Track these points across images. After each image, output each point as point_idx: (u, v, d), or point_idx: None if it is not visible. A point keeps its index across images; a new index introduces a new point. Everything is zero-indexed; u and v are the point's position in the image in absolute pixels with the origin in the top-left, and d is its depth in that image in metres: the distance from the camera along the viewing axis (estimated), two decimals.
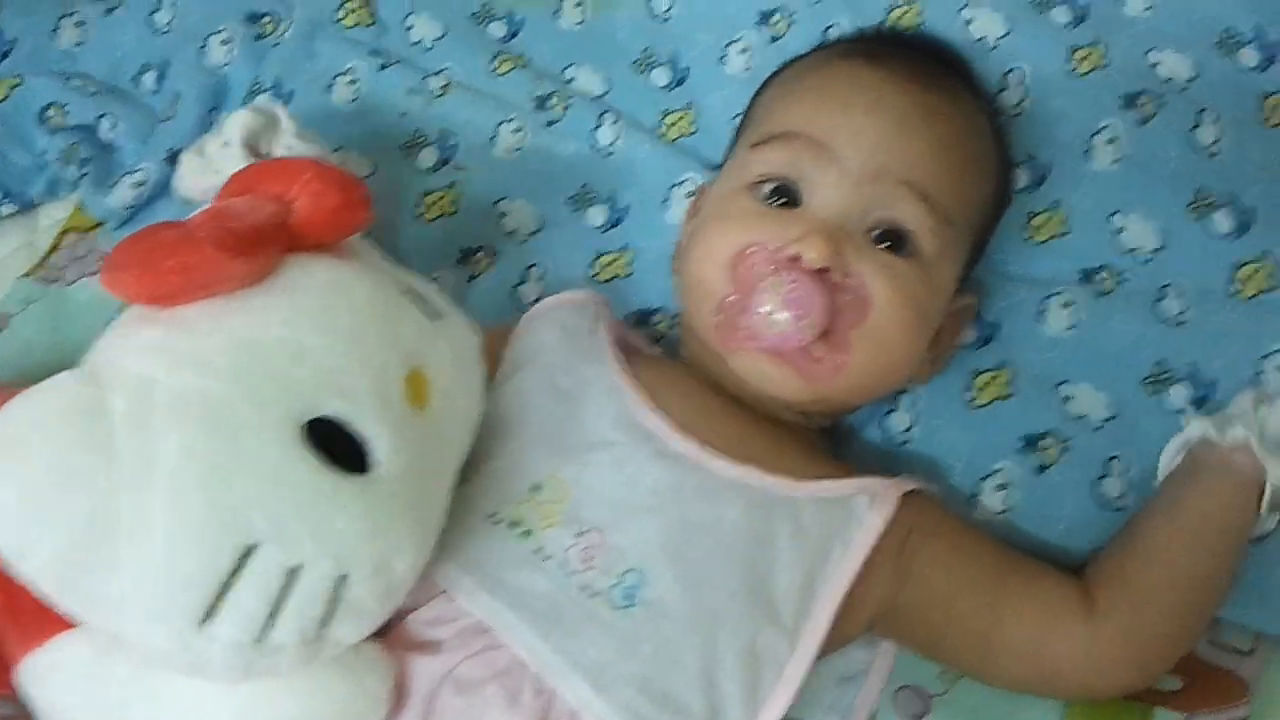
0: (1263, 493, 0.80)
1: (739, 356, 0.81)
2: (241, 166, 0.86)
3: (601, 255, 1.02)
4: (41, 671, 0.70)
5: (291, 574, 0.61)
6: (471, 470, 0.78)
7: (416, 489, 0.67)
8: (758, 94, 0.95)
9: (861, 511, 0.78)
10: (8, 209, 1.09)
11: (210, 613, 0.60)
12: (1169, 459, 0.85)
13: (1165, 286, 0.96)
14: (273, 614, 0.61)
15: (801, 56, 0.96)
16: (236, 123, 0.88)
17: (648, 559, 0.74)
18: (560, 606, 0.72)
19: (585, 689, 0.70)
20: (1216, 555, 0.80)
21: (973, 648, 0.81)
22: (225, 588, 0.60)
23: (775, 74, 0.96)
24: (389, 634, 0.72)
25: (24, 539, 0.60)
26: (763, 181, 0.84)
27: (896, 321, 0.80)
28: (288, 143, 0.90)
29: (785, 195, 0.83)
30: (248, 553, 0.60)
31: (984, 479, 0.90)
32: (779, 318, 0.77)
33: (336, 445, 0.64)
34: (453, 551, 0.74)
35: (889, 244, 0.81)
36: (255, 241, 0.67)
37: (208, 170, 0.89)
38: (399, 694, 0.70)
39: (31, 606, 0.68)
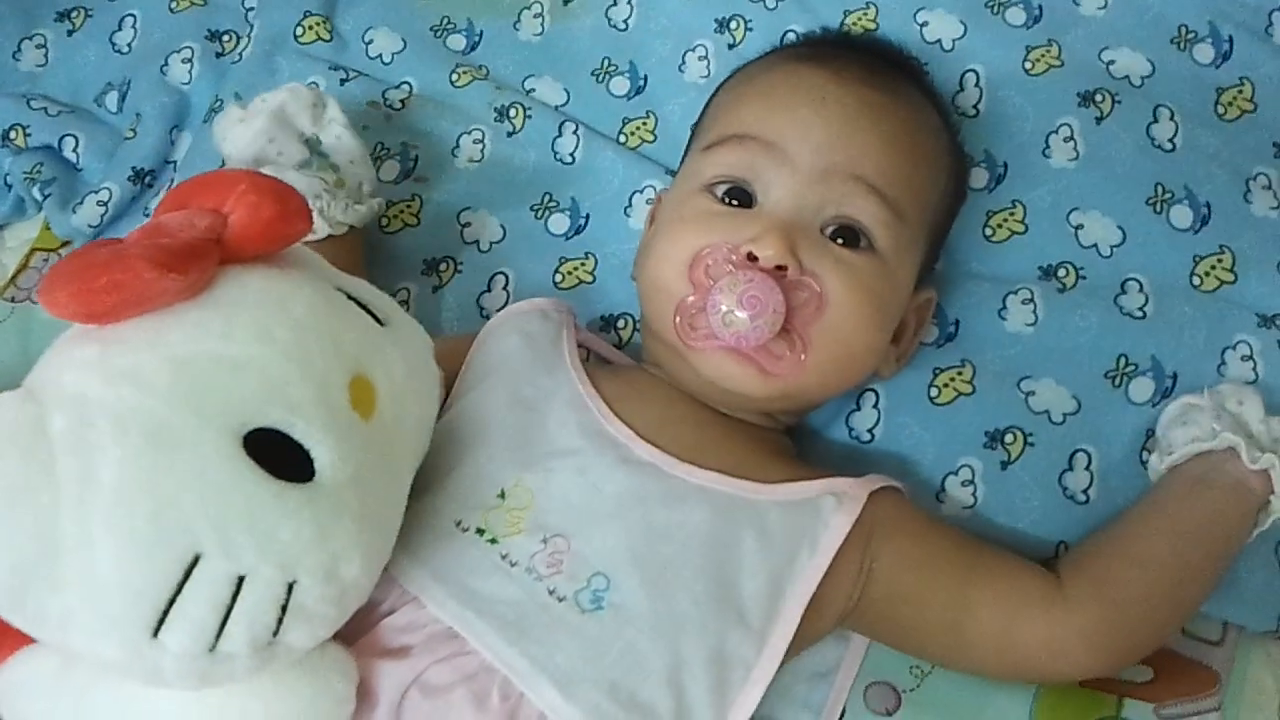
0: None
1: (701, 357, 0.81)
2: (260, 131, 0.92)
3: (565, 262, 1.02)
4: (6, 687, 0.69)
5: (239, 583, 0.60)
6: (437, 478, 0.78)
7: (365, 495, 0.66)
8: (710, 99, 0.95)
9: (828, 513, 0.78)
10: None
11: (160, 624, 0.59)
12: (1176, 459, 0.84)
13: (1126, 281, 0.96)
14: (222, 623, 0.60)
15: (752, 61, 0.96)
16: (279, 93, 0.94)
17: (614, 564, 0.74)
18: (527, 612, 0.72)
19: (553, 693, 0.70)
20: (1207, 564, 0.80)
21: (942, 639, 0.80)
22: (172, 599, 0.59)
23: (726, 79, 0.96)
24: (360, 640, 0.71)
25: None
26: (717, 183, 0.84)
27: (855, 316, 0.80)
28: (337, 131, 0.95)
29: (739, 196, 0.83)
30: (193, 564, 0.59)
31: (949, 475, 0.90)
32: (737, 317, 0.77)
33: (281, 455, 0.63)
34: (421, 558, 0.74)
35: (844, 240, 0.81)
36: (188, 256, 0.65)
37: (238, 122, 0.94)
38: (368, 699, 0.70)
39: None
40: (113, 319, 0.64)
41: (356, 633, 0.71)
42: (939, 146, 0.90)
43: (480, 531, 0.75)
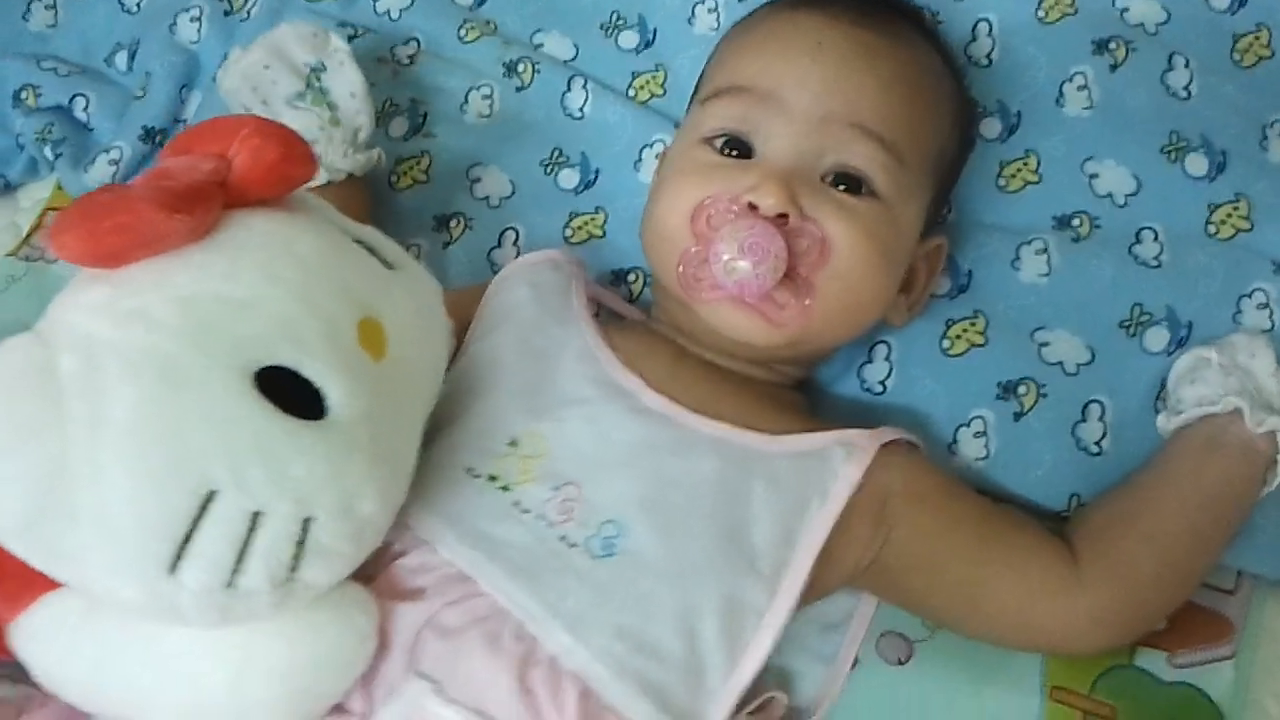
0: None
1: (707, 308, 0.81)
2: (256, 60, 0.94)
3: (575, 217, 1.01)
4: (33, 632, 0.69)
5: (254, 519, 0.60)
6: (447, 425, 0.78)
7: (376, 434, 0.66)
8: (711, 53, 0.94)
9: (837, 463, 0.78)
10: None
11: (176, 561, 0.60)
12: (1183, 421, 0.83)
13: (1141, 230, 0.95)
14: (240, 559, 0.60)
15: (750, 12, 0.95)
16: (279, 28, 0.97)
17: (625, 511, 0.74)
18: (539, 558, 0.72)
19: (565, 636, 0.70)
20: (1218, 531, 0.80)
21: (956, 610, 0.80)
22: (188, 536, 0.59)
23: (727, 32, 0.95)
24: (372, 582, 0.71)
25: None
26: (715, 136, 0.83)
27: (859, 260, 0.79)
28: (340, 59, 0.96)
29: (738, 147, 0.83)
30: (208, 500, 0.59)
31: (961, 427, 0.89)
32: (739, 265, 0.76)
33: (292, 394, 0.63)
34: (432, 504, 0.74)
35: (846, 187, 0.80)
36: (192, 198, 0.65)
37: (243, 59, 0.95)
38: (383, 641, 0.70)
39: (16, 570, 0.67)
40: (120, 262, 0.64)
41: (369, 575, 0.71)
42: (941, 91, 0.89)
43: (492, 478, 0.75)
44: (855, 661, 0.84)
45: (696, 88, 0.94)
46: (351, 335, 0.67)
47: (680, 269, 0.81)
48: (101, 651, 0.68)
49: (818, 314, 0.79)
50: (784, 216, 0.77)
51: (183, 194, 0.65)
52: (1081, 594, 0.77)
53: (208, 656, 0.65)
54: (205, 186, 0.67)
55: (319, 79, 0.95)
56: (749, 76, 0.84)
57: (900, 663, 0.86)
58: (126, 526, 0.59)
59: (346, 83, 0.96)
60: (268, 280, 0.65)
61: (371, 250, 0.73)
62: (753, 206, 0.77)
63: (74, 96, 1.09)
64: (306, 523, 0.62)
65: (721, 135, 0.83)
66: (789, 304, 0.79)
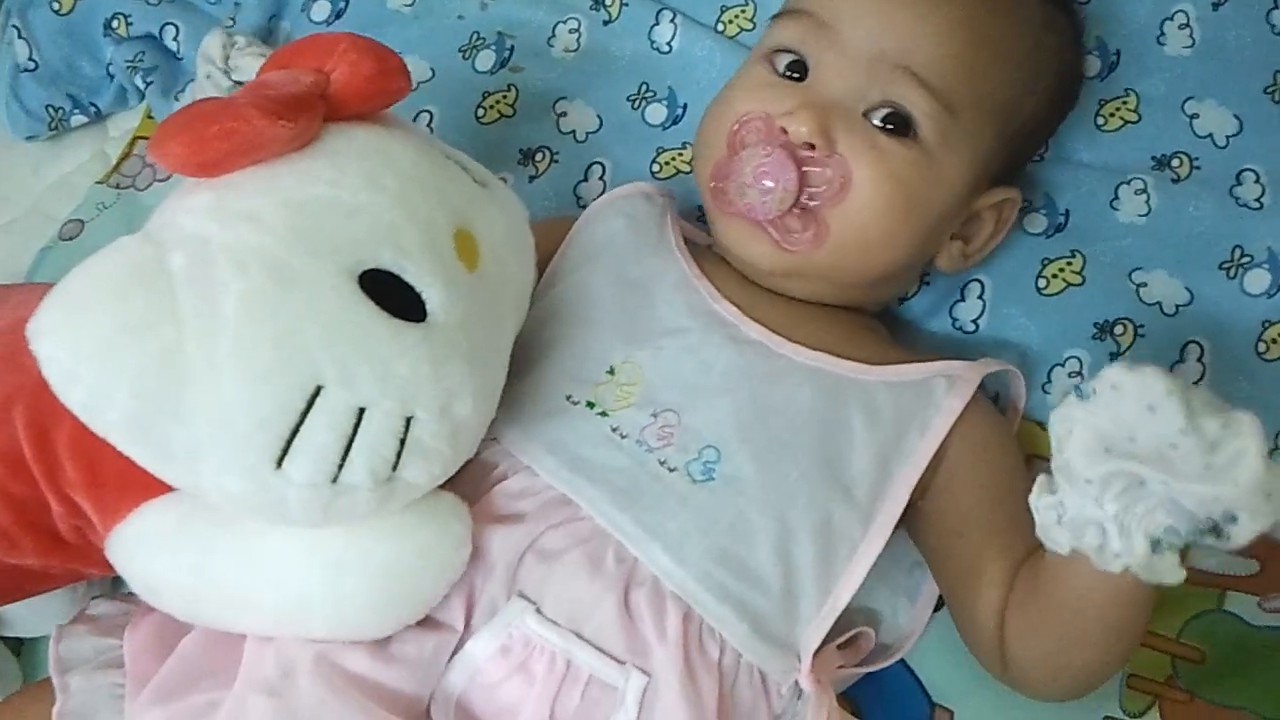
0: None
1: (723, 221, 0.82)
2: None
3: (663, 152, 1.01)
4: (129, 543, 0.71)
5: (359, 415, 0.61)
6: (545, 354, 0.79)
7: (473, 340, 0.67)
8: None
9: (940, 394, 0.78)
10: (78, 120, 1.12)
11: (283, 454, 0.61)
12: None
13: (1241, 172, 0.94)
14: (344, 454, 0.61)
15: None
16: (214, 44, 0.95)
17: (723, 437, 0.74)
18: (639, 481, 0.73)
19: (665, 559, 0.71)
20: (1134, 624, 0.69)
21: (942, 588, 0.81)
22: (296, 429, 0.61)
23: None
24: (474, 505, 0.72)
25: (99, 391, 0.60)
26: (776, 53, 0.83)
27: (877, 204, 0.77)
28: (241, 62, 0.95)
29: (798, 70, 0.82)
30: (315, 394, 0.60)
31: (1056, 366, 0.89)
32: (751, 188, 0.77)
33: (394, 297, 0.64)
34: (532, 430, 0.75)
35: (893, 126, 0.79)
36: (296, 106, 0.67)
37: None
38: (484, 563, 0.71)
39: (113, 480, 0.70)
40: (224, 169, 0.65)
41: (470, 498, 0.72)
42: (1030, 42, 0.85)
43: (590, 405, 0.76)
44: (940, 601, 0.83)
45: None
46: (449, 244, 0.68)
47: (711, 180, 0.81)
48: (200, 557, 0.69)
49: (825, 248, 0.78)
50: (811, 146, 0.77)
51: (286, 102, 0.67)
52: (1004, 674, 0.75)
53: (306, 558, 0.67)
54: (307, 96, 0.69)
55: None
56: (813, 2, 0.83)
57: None
58: (236, 420, 0.60)
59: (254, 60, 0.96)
60: (371, 187, 0.66)
61: (463, 168, 0.75)
62: (785, 132, 0.77)
63: (164, 25, 1.10)
64: (408, 421, 0.63)
65: (783, 54, 0.83)
66: (799, 233, 0.78)
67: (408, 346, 0.63)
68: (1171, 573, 0.57)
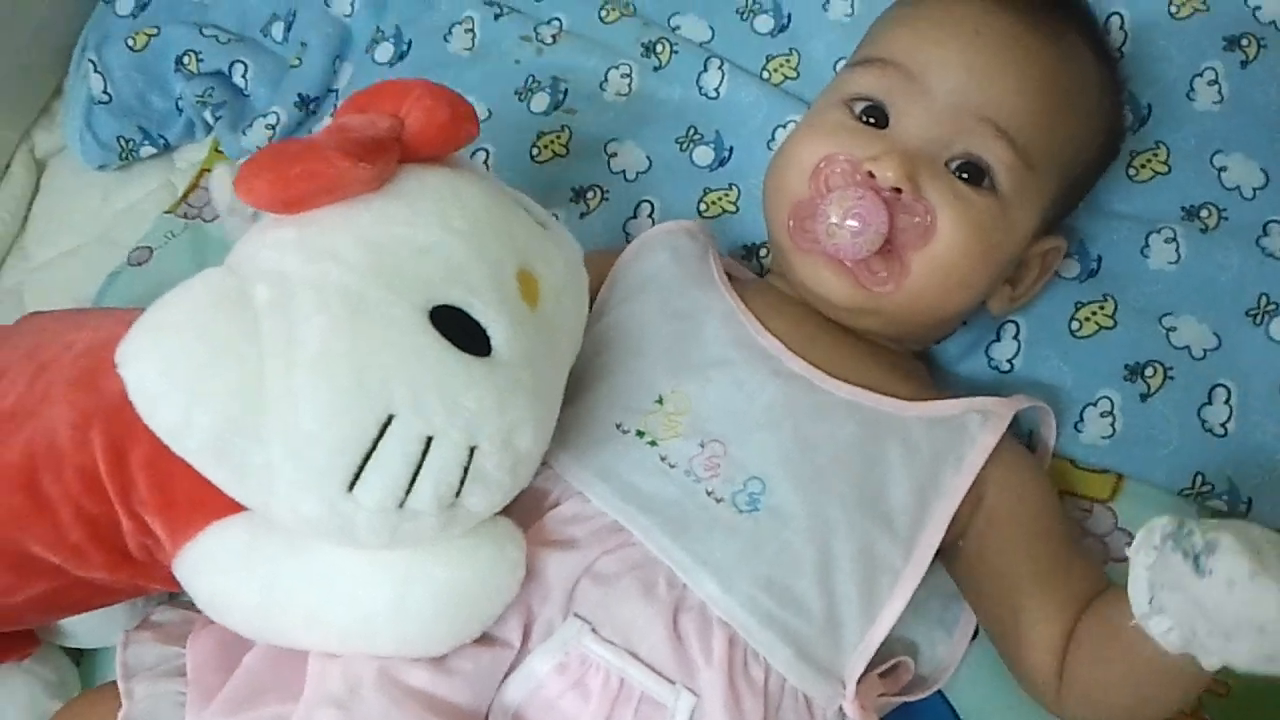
0: None
1: (803, 259, 0.82)
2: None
3: (709, 192, 1.03)
4: (197, 562, 0.72)
5: (428, 443, 0.63)
6: (595, 383, 0.80)
7: (534, 375, 0.69)
8: (873, 23, 0.94)
9: (974, 429, 0.79)
10: (147, 151, 1.15)
11: (355, 479, 0.62)
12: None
13: (1268, 223, 0.95)
14: (412, 480, 0.63)
15: None
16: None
17: (768, 469, 0.75)
18: (688, 511, 0.74)
19: (713, 586, 0.72)
20: (1179, 688, 0.70)
21: (986, 625, 0.82)
22: (368, 455, 0.62)
23: (896, 3, 0.94)
24: (529, 529, 0.74)
25: (183, 415, 0.62)
26: (855, 100, 0.84)
27: (958, 249, 0.79)
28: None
29: (875, 116, 0.83)
30: (388, 423, 0.62)
31: (1088, 406, 0.90)
32: (840, 229, 0.77)
33: (461, 334, 0.66)
34: (584, 458, 0.76)
35: (967, 176, 0.80)
36: (374, 149, 0.69)
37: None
38: (541, 587, 0.72)
39: (185, 500, 0.72)
40: (304, 206, 0.67)
41: (525, 522, 0.73)
42: (1093, 102, 0.88)
43: (640, 434, 0.77)
44: (975, 634, 0.84)
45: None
46: (513, 284, 0.70)
47: (790, 221, 0.82)
48: (268, 577, 0.70)
49: (904, 290, 0.79)
50: (898, 191, 0.78)
51: (366, 145, 0.68)
52: (1057, 704, 0.76)
53: (373, 578, 0.68)
54: (384, 139, 0.70)
55: None
56: (899, 51, 0.84)
57: None
58: (313, 444, 0.62)
59: None
60: (442, 228, 0.68)
61: (526, 209, 0.76)
62: (871, 176, 0.78)
63: (233, 63, 1.13)
64: (472, 451, 0.64)
65: (861, 101, 0.84)
66: (881, 274, 0.79)
67: (475, 380, 0.64)
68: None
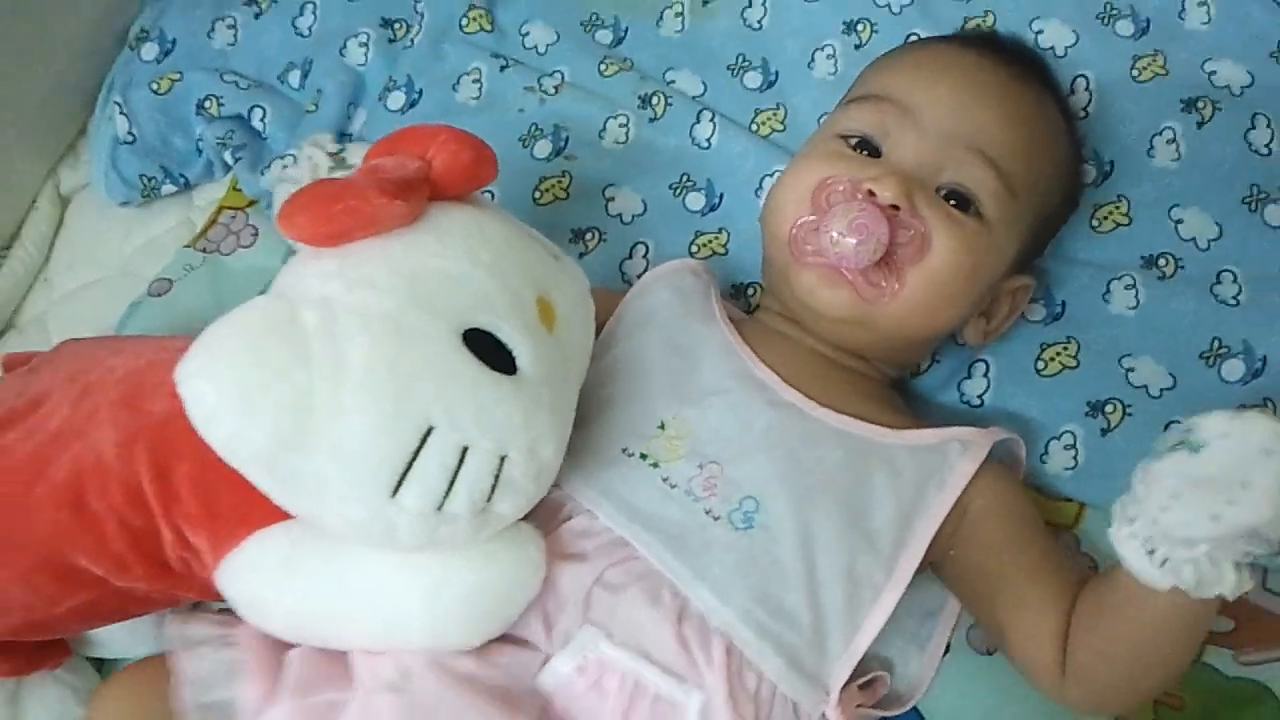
0: None
1: (802, 272, 0.87)
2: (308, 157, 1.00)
3: (700, 235, 1.09)
4: (239, 570, 0.77)
5: (463, 453, 0.69)
6: (603, 410, 0.85)
7: (553, 392, 0.75)
8: (866, 67, 1.01)
9: (954, 457, 0.85)
10: (168, 189, 1.19)
11: (399, 486, 0.68)
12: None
13: (1221, 272, 1.02)
14: (449, 487, 0.69)
15: (913, 40, 1.04)
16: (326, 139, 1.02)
17: (762, 489, 0.81)
18: (687, 529, 0.80)
19: (711, 598, 0.77)
20: (1177, 648, 0.76)
21: (987, 628, 0.88)
22: (410, 465, 0.68)
23: (885, 53, 1.02)
24: (547, 540, 0.79)
25: (240, 429, 0.67)
26: (851, 135, 0.91)
27: (951, 265, 0.85)
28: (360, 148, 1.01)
29: (868, 148, 0.90)
30: (427, 435, 0.68)
31: (1053, 440, 0.96)
32: (844, 240, 0.83)
33: (490, 354, 0.71)
34: (592, 479, 0.82)
35: (956, 203, 0.87)
36: (408, 188, 0.75)
37: (295, 177, 1.02)
38: (558, 595, 0.78)
39: (228, 512, 0.77)
40: (344, 240, 0.73)
41: (543, 532, 0.79)
42: (1061, 148, 0.96)
43: (644, 457, 0.83)
44: (947, 648, 0.90)
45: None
46: (533, 309, 0.76)
47: (793, 232, 0.88)
48: (309, 582, 0.76)
49: (898, 303, 0.85)
50: (895, 208, 0.84)
51: (399, 184, 0.75)
52: (1062, 690, 0.81)
53: (407, 580, 0.73)
54: (415, 179, 0.77)
55: (344, 157, 1.02)
56: (893, 89, 0.91)
57: (989, 653, 0.91)
58: (360, 455, 0.67)
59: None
60: (470, 259, 0.74)
61: (539, 243, 0.82)
62: (871, 194, 0.85)
63: (252, 108, 1.18)
64: (502, 460, 0.71)
65: (856, 135, 0.91)
66: (878, 284, 0.85)
67: (504, 396, 0.70)
68: (1246, 585, 0.66)
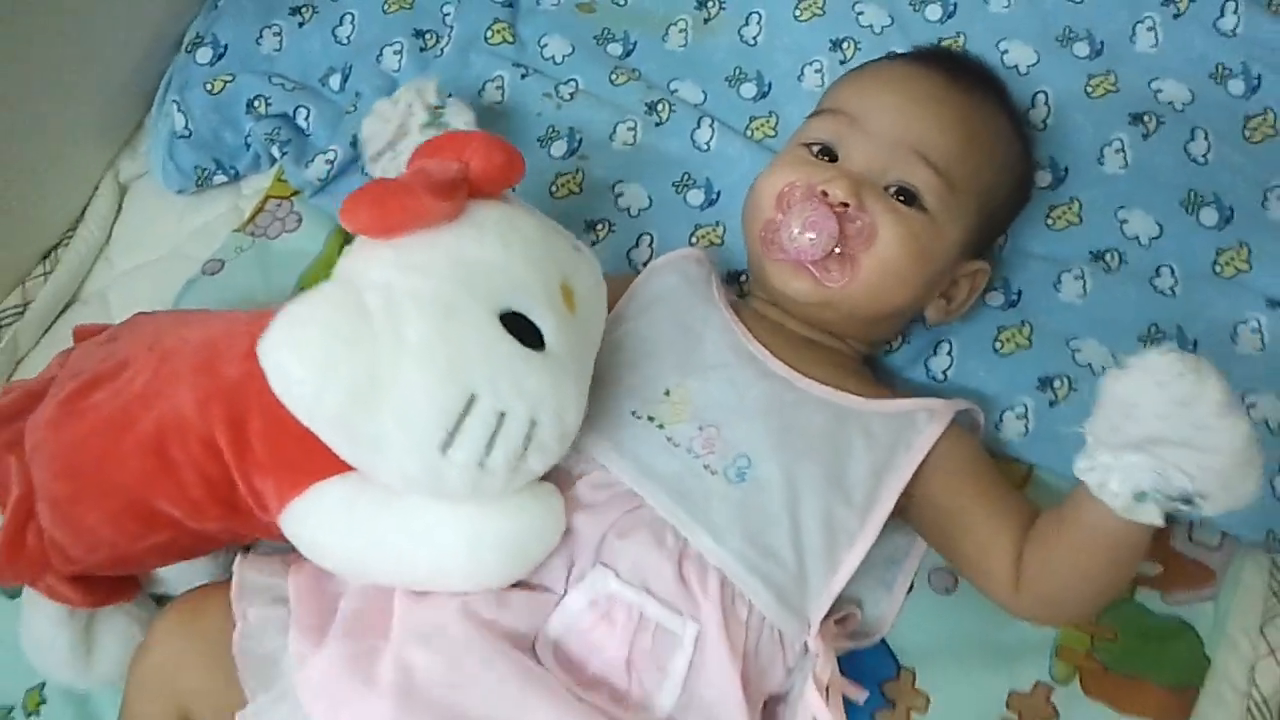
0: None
1: (773, 267, 0.99)
2: (407, 103, 1.10)
3: (700, 228, 1.19)
4: (302, 515, 0.85)
5: (501, 416, 0.79)
6: (616, 379, 0.95)
7: (575, 366, 0.84)
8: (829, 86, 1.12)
9: (922, 423, 0.95)
10: (219, 179, 1.29)
11: (448, 443, 0.78)
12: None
13: (1160, 266, 1.12)
14: (489, 445, 0.78)
15: (870, 60, 1.15)
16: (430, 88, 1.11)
17: (754, 449, 0.91)
18: (688, 481, 0.90)
19: (708, 541, 0.88)
20: (1134, 553, 0.84)
21: (951, 557, 0.98)
22: (457, 425, 0.78)
23: (846, 71, 1.14)
24: (566, 494, 0.89)
25: (315, 394, 0.77)
26: (812, 143, 1.02)
27: (897, 250, 0.95)
28: (458, 103, 1.11)
29: (828, 153, 1.01)
30: (471, 400, 0.78)
31: (1007, 410, 1.07)
32: (800, 236, 0.95)
33: (522, 332, 0.81)
34: (606, 438, 0.92)
35: (903, 199, 0.98)
36: (451, 188, 0.84)
37: (388, 116, 1.11)
38: (577, 541, 0.88)
39: (293, 463, 0.85)
40: (399, 233, 0.83)
41: (561, 489, 0.89)
42: (1003, 146, 1.05)
43: (651, 419, 0.93)
44: (911, 588, 1.01)
45: None
46: (558, 294, 0.86)
47: (762, 233, 0.99)
48: (364, 527, 0.85)
49: (856, 284, 0.95)
50: (846, 205, 0.95)
51: (444, 184, 0.84)
52: (1015, 600, 0.90)
53: (451, 526, 0.83)
54: (457, 179, 0.86)
55: (442, 114, 1.13)
56: (845, 103, 1.03)
57: (947, 592, 1.02)
58: (417, 417, 0.77)
59: (463, 119, 1.13)
60: (504, 249, 0.84)
61: (561, 235, 0.92)
62: (824, 194, 0.96)
63: (297, 108, 1.27)
64: (533, 423, 0.80)
65: (816, 144, 1.02)
66: (834, 271, 0.96)
67: (535, 369, 0.80)
68: (1153, 518, 0.76)
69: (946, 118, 1.00)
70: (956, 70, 1.06)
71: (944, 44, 1.24)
